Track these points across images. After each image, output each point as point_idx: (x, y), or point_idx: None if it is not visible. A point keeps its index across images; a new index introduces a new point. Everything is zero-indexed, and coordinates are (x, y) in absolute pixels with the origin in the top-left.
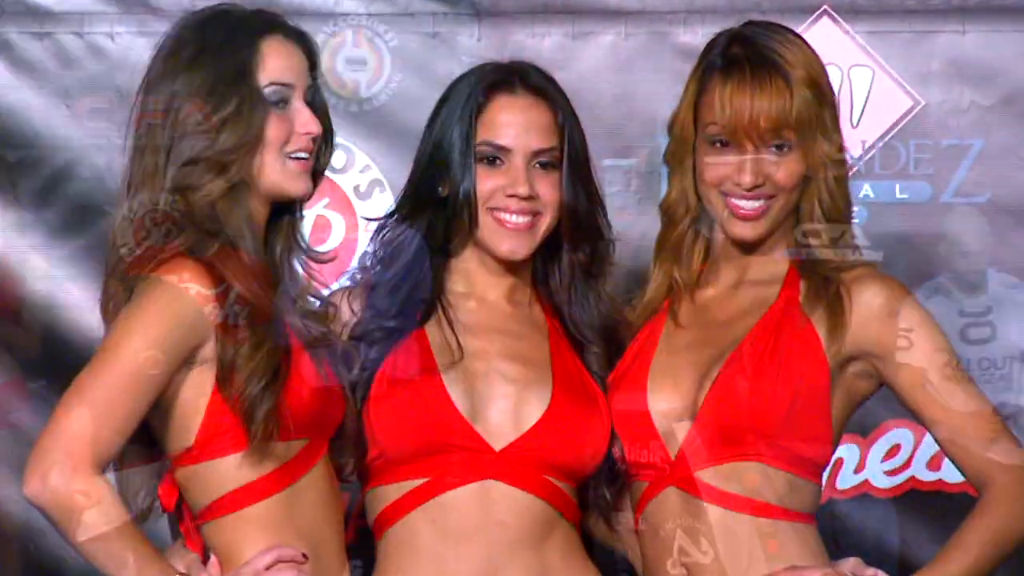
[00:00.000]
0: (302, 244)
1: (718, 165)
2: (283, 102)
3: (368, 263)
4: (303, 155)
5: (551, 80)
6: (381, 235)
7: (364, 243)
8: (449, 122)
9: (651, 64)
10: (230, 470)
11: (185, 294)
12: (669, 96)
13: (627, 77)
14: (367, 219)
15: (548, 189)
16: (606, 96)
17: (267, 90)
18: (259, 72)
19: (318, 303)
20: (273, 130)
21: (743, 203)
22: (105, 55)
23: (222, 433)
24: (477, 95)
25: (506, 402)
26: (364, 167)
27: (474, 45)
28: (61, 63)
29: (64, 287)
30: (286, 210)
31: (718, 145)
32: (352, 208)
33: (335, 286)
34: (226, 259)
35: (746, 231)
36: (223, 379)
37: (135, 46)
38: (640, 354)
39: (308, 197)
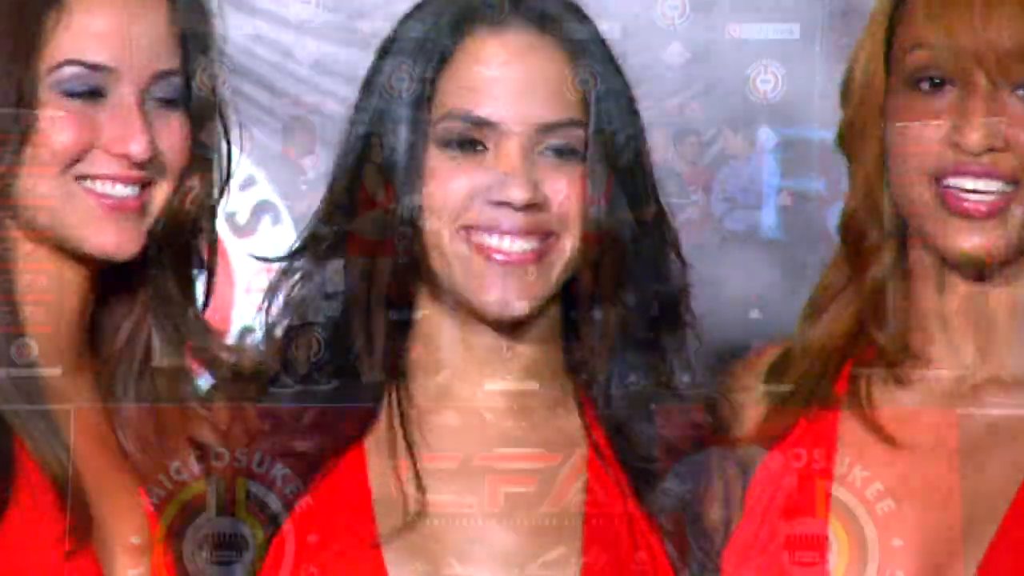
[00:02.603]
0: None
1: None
2: (90, 94)
3: (260, 340)
4: (105, 186)
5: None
6: (284, 289)
7: (245, 308)
8: (394, 80)
9: None
10: None
11: None
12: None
13: None
14: (257, 258)
15: (567, 191)
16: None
17: (56, 73)
18: (48, 44)
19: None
20: (52, 134)
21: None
22: None
23: None
24: (440, 31)
25: None
26: (245, 180)
27: None
28: None
29: None
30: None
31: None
32: (226, 253)
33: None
34: None
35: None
36: None
37: None
38: (795, 499)
39: (122, 256)
